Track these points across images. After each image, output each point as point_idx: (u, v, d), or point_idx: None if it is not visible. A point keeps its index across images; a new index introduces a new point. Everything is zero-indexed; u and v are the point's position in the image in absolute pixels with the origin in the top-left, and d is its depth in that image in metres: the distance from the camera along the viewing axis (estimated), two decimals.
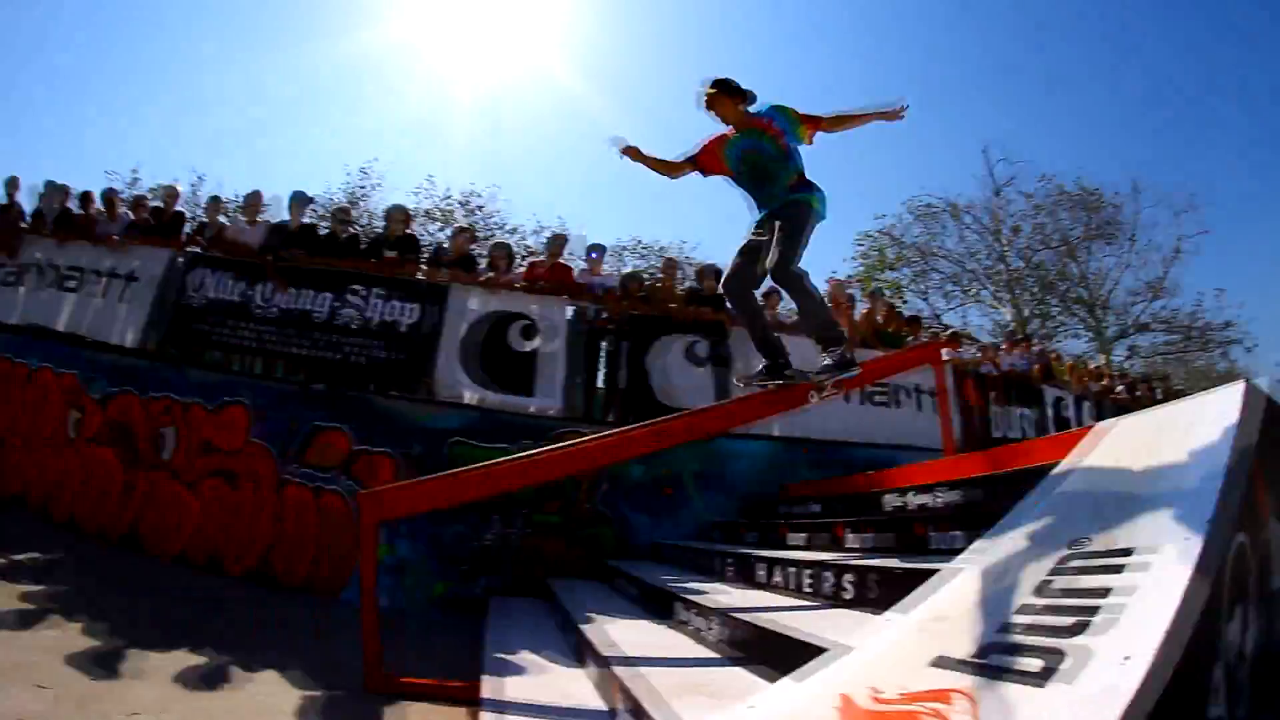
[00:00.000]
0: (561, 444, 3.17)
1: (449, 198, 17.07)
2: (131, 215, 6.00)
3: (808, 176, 2.98)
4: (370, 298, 4.98)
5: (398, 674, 2.68)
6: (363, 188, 16.96)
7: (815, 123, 2.89)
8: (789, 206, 2.89)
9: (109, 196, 6.40)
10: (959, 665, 1.24)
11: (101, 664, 2.60)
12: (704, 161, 3.02)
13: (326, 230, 5.42)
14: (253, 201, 5.54)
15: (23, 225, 6.63)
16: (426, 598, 4.37)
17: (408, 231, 5.60)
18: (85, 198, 6.60)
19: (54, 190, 6.85)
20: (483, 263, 6.03)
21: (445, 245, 5.70)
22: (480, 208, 16.87)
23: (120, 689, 2.41)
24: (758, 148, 2.92)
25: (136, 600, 3.58)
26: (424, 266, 5.36)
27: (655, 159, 3.05)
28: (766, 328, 3.16)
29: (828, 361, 2.93)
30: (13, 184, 7.06)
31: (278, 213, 5.69)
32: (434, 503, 3.03)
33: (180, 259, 5.37)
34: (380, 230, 6.50)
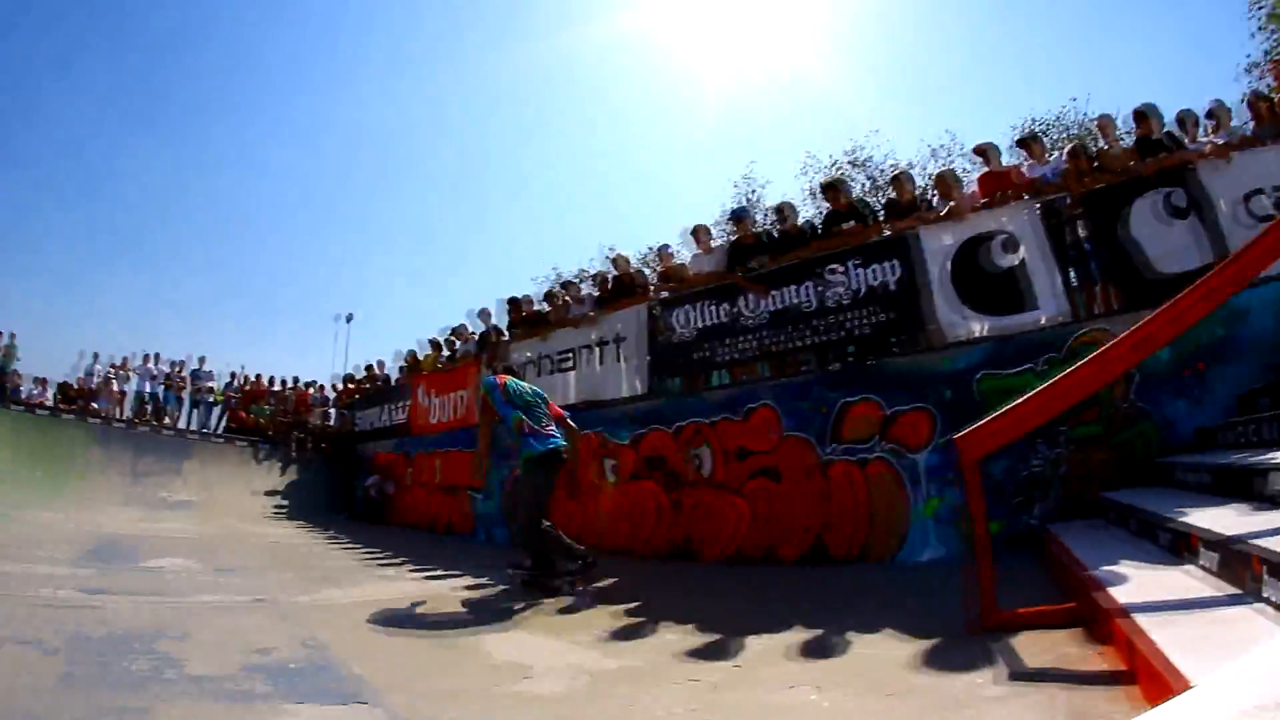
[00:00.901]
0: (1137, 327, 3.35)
1: (836, 163, 21.73)
2: (596, 292, 8.11)
3: (528, 434, 5.10)
4: (849, 270, 6.16)
5: (1003, 610, 3.07)
6: (752, 190, 23.23)
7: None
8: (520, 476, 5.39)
9: (569, 286, 8.80)
10: None
11: (726, 653, 3.33)
12: None
13: (780, 230, 6.67)
14: (701, 233, 7.22)
15: (503, 339, 9.37)
16: None
17: (849, 201, 6.64)
18: (549, 295, 9.16)
19: (515, 303, 9.60)
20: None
21: (893, 196, 6.62)
22: (869, 159, 21.12)
23: (757, 669, 3.07)
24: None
25: (715, 600, 4.73)
26: (885, 224, 6.51)
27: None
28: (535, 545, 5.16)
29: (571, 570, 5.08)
30: (485, 314, 10.14)
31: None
32: (1028, 424, 3.51)
33: (655, 308, 7.26)
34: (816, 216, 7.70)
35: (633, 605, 4.44)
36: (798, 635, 3.42)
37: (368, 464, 13.74)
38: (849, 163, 21.19)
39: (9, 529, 6.65)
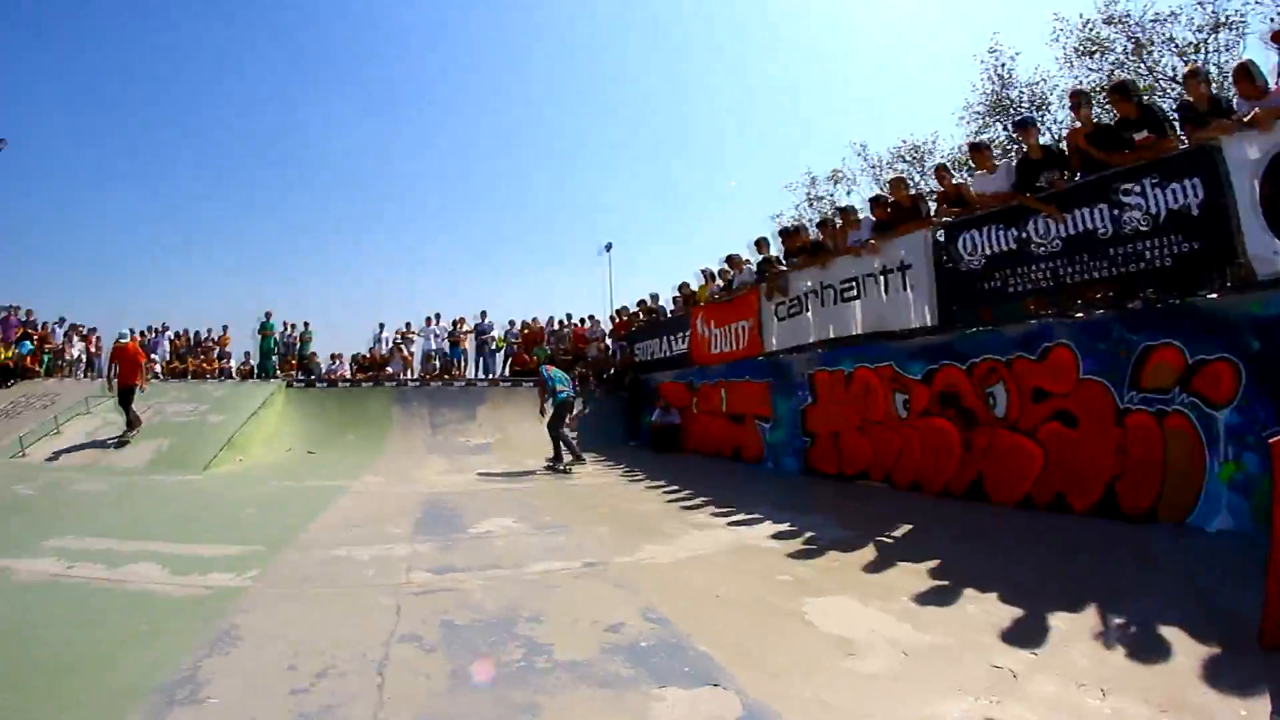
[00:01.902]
0: None
1: (1089, 22, 22.83)
2: (873, 217, 9.28)
3: (549, 395, 12.67)
4: (1146, 190, 6.53)
5: None
6: (1001, 64, 25.90)
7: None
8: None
9: (845, 212, 10.05)
10: None
11: (1025, 636, 4.03)
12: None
13: (1057, 140, 7.30)
14: (981, 152, 8.07)
15: (782, 268, 10.87)
16: None
17: (1142, 102, 7.19)
18: (823, 224, 10.50)
19: (789, 232, 11.12)
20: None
21: (1188, 99, 6.88)
22: (1126, 14, 21.77)
23: (1052, 658, 3.72)
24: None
25: (1012, 559, 5.60)
26: (1181, 133, 6.77)
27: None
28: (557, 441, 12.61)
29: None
30: (762, 244, 11.97)
31: None
32: None
33: (939, 233, 8.52)
34: (1108, 115, 8.11)
35: (933, 565, 5.51)
36: (1090, 620, 4.19)
37: (652, 394, 16.72)
38: (1103, 21, 22.44)
39: (345, 502, 9.35)
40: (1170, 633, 3.87)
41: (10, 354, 18.86)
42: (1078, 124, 7.75)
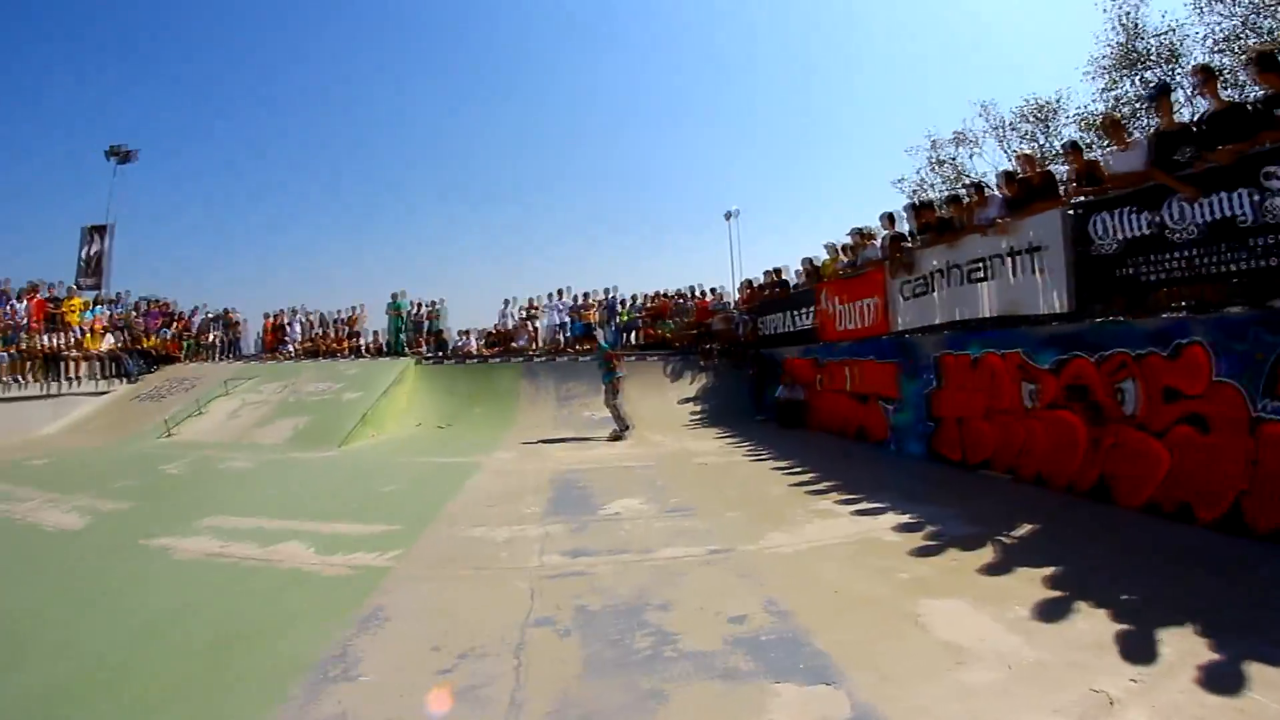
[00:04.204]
0: None
1: None
2: (1005, 193, 9.14)
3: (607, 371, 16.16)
4: None
5: None
6: (1128, 14, 25.06)
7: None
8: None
9: (975, 188, 9.96)
10: None
11: (1130, 659, 4.01)
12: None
13: (1207, 113, 7.05)
14: (1117, 128, 7.86)
15: (907, 245, 10.85)
16: None
17: None
18: (952, 201, 10.43)
19: (918, 208, 11.06)
20: None
21: None
22: None
23: (1152, 689, 3.67)
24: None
25: (1133, 573, 5.46)
26: None
27: None
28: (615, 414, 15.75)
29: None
30: (888, 219, 11.80)
31: None
32: None
33: (1071, 212, 8.52)
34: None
35: (1050, 572, 5.52)
36: (1198, 650, 4.08)
37: (777, 368, 16.95)
38: None
39: (480, 479, 10.25)
40: (1275, 674, 3.75)
41: (154, 341, 21.51)
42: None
